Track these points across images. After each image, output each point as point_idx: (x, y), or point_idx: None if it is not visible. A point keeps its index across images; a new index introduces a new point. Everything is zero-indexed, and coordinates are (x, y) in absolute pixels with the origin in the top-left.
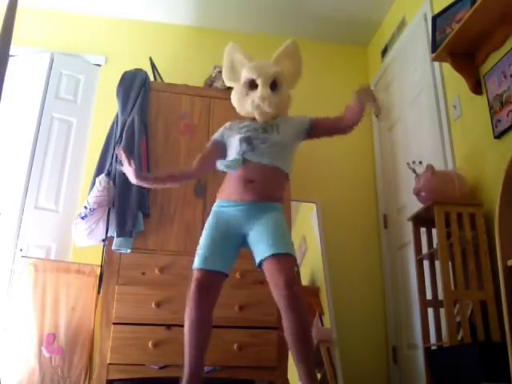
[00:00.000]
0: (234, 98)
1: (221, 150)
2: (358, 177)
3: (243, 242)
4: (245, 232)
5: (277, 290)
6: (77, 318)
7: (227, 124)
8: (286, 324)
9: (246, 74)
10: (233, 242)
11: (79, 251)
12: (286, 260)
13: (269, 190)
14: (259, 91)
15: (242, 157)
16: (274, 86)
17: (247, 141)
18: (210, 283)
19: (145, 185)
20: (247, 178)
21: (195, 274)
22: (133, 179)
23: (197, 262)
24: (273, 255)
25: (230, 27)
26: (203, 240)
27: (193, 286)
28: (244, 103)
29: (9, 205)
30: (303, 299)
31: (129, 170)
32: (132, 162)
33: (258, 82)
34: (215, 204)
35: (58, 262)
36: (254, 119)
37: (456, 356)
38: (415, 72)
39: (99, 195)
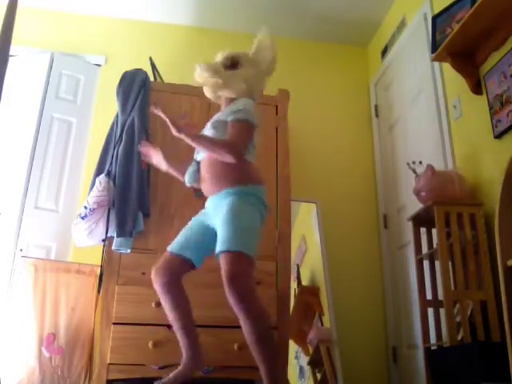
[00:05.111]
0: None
1: None
2: (358, 177)
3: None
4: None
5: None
6: (77, 318)
7: None
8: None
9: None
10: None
11: (79, 251)
12: (231, 256)
13: (216, 180)
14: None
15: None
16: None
17: None
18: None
19: None
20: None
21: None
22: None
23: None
24: (221, 252)
25: (230, 27)
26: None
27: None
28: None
29: (9, 205)
30: (249, 296)
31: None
32: None
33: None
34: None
35: (58, 262)
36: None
37: (456, 356)
38: (415, 72)
39: (99, 195)
